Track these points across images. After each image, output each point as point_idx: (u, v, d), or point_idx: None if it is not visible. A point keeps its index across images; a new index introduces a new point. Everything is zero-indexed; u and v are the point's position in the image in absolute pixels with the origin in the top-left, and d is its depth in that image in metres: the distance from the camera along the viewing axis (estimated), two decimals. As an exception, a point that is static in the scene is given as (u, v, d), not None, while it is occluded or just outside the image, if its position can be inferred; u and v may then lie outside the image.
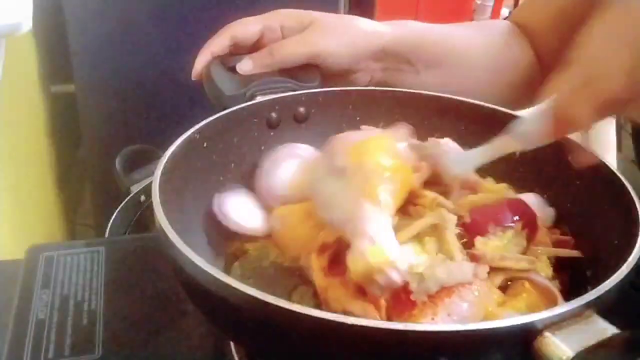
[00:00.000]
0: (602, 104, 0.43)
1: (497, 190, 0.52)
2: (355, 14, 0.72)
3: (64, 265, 0.60)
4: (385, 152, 0.45)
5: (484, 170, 0.55)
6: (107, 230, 0.85)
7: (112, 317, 0.54)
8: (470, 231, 0.45)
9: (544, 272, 0.46)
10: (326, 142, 0.51)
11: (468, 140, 0.60)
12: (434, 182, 0.50)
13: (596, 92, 0.43)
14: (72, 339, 0.52)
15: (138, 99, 1.38)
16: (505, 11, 2.76)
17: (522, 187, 0.54)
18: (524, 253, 0.46)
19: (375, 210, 0.41)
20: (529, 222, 0.47)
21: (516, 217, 0.47)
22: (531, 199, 0.52)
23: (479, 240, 0.45)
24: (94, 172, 1.47)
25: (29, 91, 1.34)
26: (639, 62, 0.42)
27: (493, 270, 0.43)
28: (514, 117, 0.59)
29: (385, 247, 0.39)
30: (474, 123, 0.60)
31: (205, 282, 0.38)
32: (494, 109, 0.60)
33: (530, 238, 0.47)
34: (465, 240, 0.45)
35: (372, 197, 0.42)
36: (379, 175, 0.43)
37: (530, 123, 0.47)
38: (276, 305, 0.35)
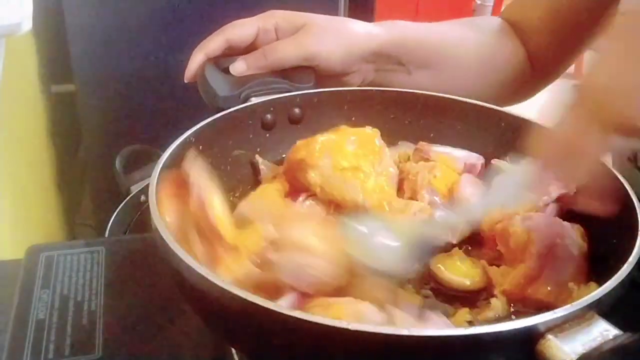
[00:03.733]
0: (616, 132, 0.37)
1: None
2: (355, 14, 0.72)
3: (64, 265, 0.59)
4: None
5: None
6: (107, 230, 0.85)
7: (112, 317, 0.54)
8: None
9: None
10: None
11: (465, 139, 0.60)
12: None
13: (609, 118, 0.37)
14: (72, 339, 0.52)
15: (138, 99, 1.38)
16: (505, 11, 2.76)
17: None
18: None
19: None
20: None
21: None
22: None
23: None
24: (94, 172, 1.46)
25: (29, 91, 1.34)
26: None
27: None
28: (511, 115, 0.59)
29: None
30: (470, 122, 0.60)
31: (202, 286, 0.37)
32: (489, 108, 0.60)
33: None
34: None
35: None
36: None
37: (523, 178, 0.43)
38: (275, 311, 0.34)
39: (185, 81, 0.66)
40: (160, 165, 0.48)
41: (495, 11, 3.02)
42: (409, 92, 0.63)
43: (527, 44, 0.80)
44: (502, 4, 2.98)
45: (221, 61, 0.66)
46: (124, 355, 0.51)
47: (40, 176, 1.38)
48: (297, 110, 0.61)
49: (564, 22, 0.77)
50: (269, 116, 0.60)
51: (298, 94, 0.62)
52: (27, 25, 0.75)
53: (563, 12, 0.77)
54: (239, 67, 0.64)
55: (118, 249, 0.63)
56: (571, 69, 0.88)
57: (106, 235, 0.84)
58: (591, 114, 0.38)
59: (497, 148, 0.59)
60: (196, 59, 0.65)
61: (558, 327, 0.34)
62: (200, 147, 0.54)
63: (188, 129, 0.53)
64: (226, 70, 0.64)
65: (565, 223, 0.48)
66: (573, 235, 0.47)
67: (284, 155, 0.60)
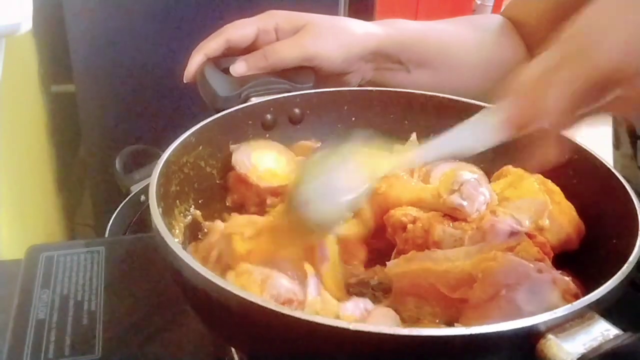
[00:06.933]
0: (578, 90, 0.35)
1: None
2: (355, 14, 0.72)
3: (64, 265, 0.60)
4: None
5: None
6: (107, 230, 0.85)
7: (112, 317, 0.54)
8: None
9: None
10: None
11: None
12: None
13: (573, 72, 0.36)
14: (72, 339, 0.52)
15: (138, 99, 1.38)
16: (505, 11, 2.76)
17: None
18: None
19: None
20: None
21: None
22: None
23: None
24: (94, 172, 1.46)
25: (29, 91, 1.34)
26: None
27: None
28: None
29: None
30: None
31: (202, 286, 0.38)
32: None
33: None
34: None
35: None
36: None
37: (491, 116, 0.40)
38: (275, 311, 0.35)
39: (185, 81, 0.66)
40: (160, 165, 0.48)
41: (495, 11, 3.02)
42: (409, 92, 0.63)
43: (528, 40, 0.79)
44: (503, 4, 2.98)
45: (221, 61, 0.66)
46: (124, 355, 0.51)
47: (40, 176, 1.38)
48: (297, 110, 0.61)
49: (566, 18, 0.77)
50: (269, 116, 0.60)
51: (298, 94, 0.62)
52: (27, 25, 0.75)
53: (565, 7, 0.77)
54: (239, 67, 0.64)
55: (118, 249, 0.63)
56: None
57: (106, 235, 0.84)
58: (565, 58, 0.37)
59: (497, 148, 0.59)
60: (196, 59, 0.65)
61: (559, 326, 0.34)
62: (200, 147, 0.54)
63: (188, 129, 0.53)
64: (226, 71, 0.65)
65: (543, 275, 0.39)
66: (541, 290, 0.39)
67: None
